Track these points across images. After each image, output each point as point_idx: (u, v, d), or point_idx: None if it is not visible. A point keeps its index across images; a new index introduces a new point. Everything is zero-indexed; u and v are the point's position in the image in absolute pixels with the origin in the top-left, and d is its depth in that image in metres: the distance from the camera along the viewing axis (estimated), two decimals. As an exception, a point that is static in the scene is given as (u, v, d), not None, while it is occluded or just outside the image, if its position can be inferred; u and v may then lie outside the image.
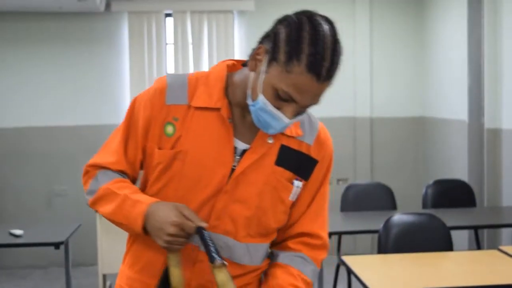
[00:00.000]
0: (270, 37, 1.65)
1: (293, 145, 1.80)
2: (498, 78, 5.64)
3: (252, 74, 1.69)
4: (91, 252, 6.04)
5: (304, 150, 1.82)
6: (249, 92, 1.69)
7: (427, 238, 4.00)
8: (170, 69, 6.99)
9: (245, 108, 1.74)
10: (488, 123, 5.73)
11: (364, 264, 3.54)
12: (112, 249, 5.48)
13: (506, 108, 5.54)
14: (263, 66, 1.64)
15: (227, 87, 1.78)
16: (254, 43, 1.75)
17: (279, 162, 1.78)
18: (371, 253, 6.65)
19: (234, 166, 1.75)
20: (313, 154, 1.85)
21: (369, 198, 5.35)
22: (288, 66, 1.58)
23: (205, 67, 6.87)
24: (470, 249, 5.76)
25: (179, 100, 1.76)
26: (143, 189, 1.85)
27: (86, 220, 5.47)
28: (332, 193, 7.15)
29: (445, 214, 4.37)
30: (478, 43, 5.96)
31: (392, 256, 3.81)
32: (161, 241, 1.67)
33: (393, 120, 7.28)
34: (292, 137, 1.80)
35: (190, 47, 6.89)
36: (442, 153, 6.72)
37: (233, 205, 1.75)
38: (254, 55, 1.68)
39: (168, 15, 6.97)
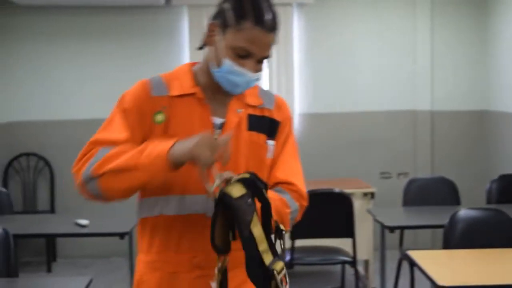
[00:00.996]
0: (218, 14, 1.97)
1: (258, 112, 2.09)
2: None
3: (211, 49, 2.00)
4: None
5: (267, 114, 2.11)
6: (212, 63, 1.99)
7: (494, 233, 3.91)
8: (230, 62, 6.99)
9: (212, 89, 2.03)
10: (555, 117, 5.59)
11: (429, 259, 3.49)
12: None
13: None
14: (219, 37, 1.95)
15: (194, 77, 2.06)
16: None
17: (251, 127, 2.06)
18: (432, 248, 6.56)
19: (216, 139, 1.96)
20: (275, 116, 2.12)
21: (432, 192, 5.28)
22: (239, 26, 1.91)
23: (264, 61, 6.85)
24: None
25: (161, 92, 2.01)
26: None
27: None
28: (393, 187, 7.12)
29: (511, 210, 4.27)
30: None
31: (458, 252, 3.74)
32: (201, 147, 1.79)
33: (455, 114, 7.16)
34: (255, 106, 2.09)
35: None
36: (507, 147, 6.58)
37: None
38: (209, 32, 1.99)
39: (227, 8, 6.98)
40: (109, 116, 2.01)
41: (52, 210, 6.97)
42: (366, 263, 5.75)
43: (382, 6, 7.12)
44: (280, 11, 6.91)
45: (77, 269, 6.59)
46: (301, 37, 7.00)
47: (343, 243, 4.94)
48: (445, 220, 4.01)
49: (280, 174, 2.08)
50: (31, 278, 5.22)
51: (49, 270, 6.52)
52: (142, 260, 2.06)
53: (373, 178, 6.94)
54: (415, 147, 7.16)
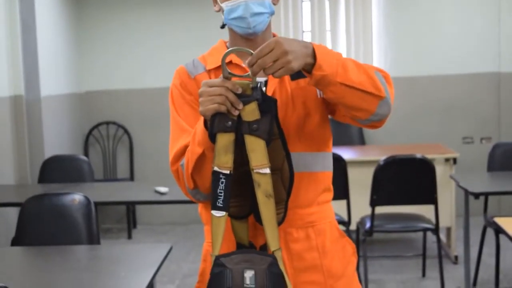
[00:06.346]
0: None
1: None
2: None
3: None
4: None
5: None
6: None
7: None
8: (306, 26, 6.89)
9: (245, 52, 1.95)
10: None
11: (517, 226, 3.34)
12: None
13: None
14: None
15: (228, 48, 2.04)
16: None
17: (293, 76, 1.95)
18: (517, 215, 6.35)
19: None
20: None
21: (518, 157, 5.07)
22: None
23: (341, 23, 6.73)
24: None
25: (199, 70, 2.04)
26: None
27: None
28: (475, 153, 6.90)
29: None
30: None
31: (548, 219, 3.58)
32: (206, 102, 1.73)
33: (541, 76, 6.86)
34: None
35: (327, 3, 6.76)
36: None
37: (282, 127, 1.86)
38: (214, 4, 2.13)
39: (303, -29, 6.86)
40: (171, 120, 2.05)
41: (131, 178, 7.07)
42: (448, 230, 5.61)
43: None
44: (358, -27, 6.78)
45: (157, 235, 6.68)
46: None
47: (424, 210, 4.82)
48: (533, 186, 3.85)
49: None
50: (113, 245, 5.32)
51: (129, 236, 6.64)
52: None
53: (455, 143, 6.75)
54: (499, 111, 6.90)
